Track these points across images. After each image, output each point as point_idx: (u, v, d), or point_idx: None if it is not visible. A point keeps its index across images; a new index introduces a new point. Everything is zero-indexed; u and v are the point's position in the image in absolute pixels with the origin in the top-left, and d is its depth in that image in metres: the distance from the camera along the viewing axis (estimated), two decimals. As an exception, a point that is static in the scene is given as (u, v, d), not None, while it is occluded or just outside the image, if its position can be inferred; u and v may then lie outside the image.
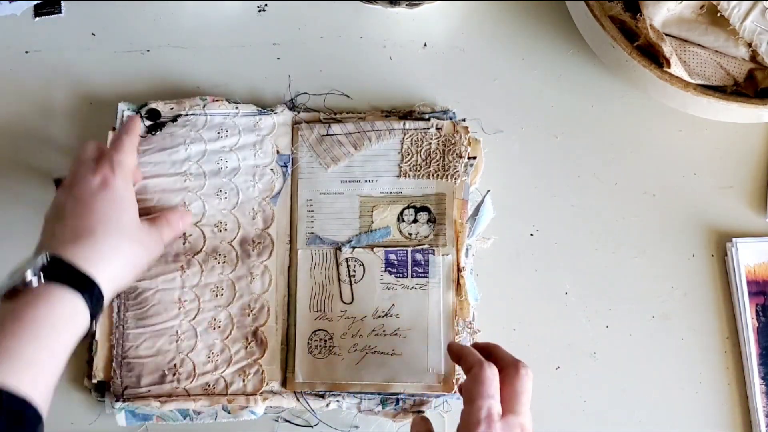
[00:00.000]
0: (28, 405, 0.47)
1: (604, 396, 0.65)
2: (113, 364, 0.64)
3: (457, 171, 0.65)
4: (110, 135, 0.66)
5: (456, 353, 0.57)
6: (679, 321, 0.66)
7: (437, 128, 0.66)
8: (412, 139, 0.67)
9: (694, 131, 0.69)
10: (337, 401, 0.64)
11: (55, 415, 0.65)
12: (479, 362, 0.53)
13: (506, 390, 0.52)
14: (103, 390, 0.65)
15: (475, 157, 0.67)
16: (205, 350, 0.64)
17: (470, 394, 0.51)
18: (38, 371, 0.48)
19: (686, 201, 0.68)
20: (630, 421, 0.65)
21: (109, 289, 0.54)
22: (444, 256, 0.64)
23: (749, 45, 0.62)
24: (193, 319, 0.64)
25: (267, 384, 0.64)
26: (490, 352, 0.56)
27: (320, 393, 0.64)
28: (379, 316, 0.64)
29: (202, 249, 0.65)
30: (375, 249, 0.65)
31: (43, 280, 0.51)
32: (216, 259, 0.65)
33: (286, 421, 0.65)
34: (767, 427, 0.63)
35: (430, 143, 0.66)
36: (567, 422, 0.65)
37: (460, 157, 0.66)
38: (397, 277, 0.65)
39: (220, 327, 0.64)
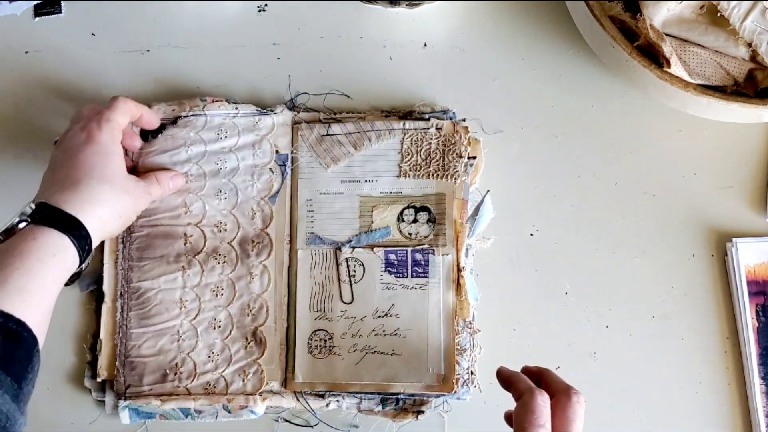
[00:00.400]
0: (24, 326, 0.48)
1: (604, 396, 0.65)
2: (117, 363, 0.64)
3: (457, 171, 0.66)
4: None
5: (506, 379, 0.55)
6: (679, 321, 0.66)
7: (437, 128, 0.66)
8: (411, 139, 0.67)
9: (694, 131, 0.69)
10: (337, 401, 0.64)
11: (55, 415, 0.66)
12: (530, 389, 0.51)
13: (558, 417, 0.51)
14: (103, 390, 0.65)
15: (475, 157, 0.67)
16: (206, 350, 0.64)
17: (521, 422, 0.50)
18: (31, 298, 0.50)
19: (686, 201, 0.68)
20: (630, 421, 0.65)
21: (96, 232, 0.56)
22: (444, 256, 0.64)
23: (749, 45, 0.62)
24: (194, 318, 0.65)
25: (267, 384, 0.64)
26: (540, 377, 0.54)
27: (320, 393, 0.64)
28: (379, 316, 0.64)
29: (202, 249, 0.65)
30: (375, 249, 0.65)
31: (30, 223, 0.54)
32: (216, 259, 0.65)
33: (286, 421, 0.65)
34: (767, 427, 0.63)
35: (430, 143, 0.66)
36: (567, 422, 0.65)
37: (460, 157, 0.66)
38: (397, 277, 0.65)
39: (220, 327, 0.64)
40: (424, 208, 0.66)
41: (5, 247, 0.52)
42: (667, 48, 0.60)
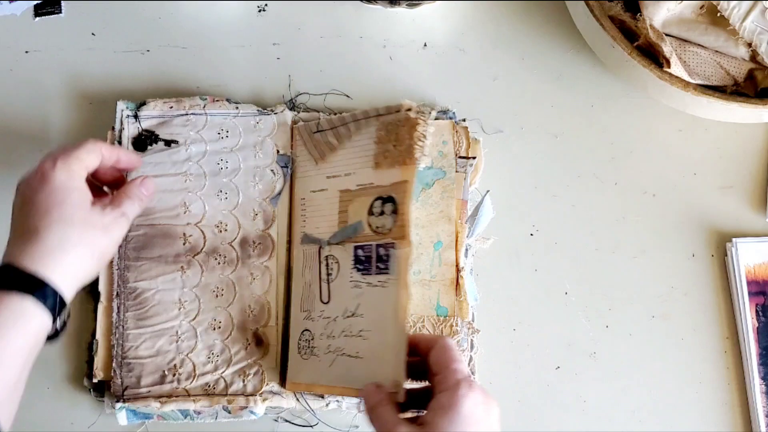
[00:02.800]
0: None
1: (604, 396, 0.65)
2: (113, 364, 0.64)
3: (415, 153, 0.58)
4: (109, 135, 0.67)
5: (413, 337, 0.53)
6: (679, 321, 0.66)
7: (406, 110, 0.60)
8: (387, 127, 0.61)
9: (694, 131, 0.69)
10: (337, 401, 0.64)
11: (55, 415, 0.66)
12: (440, 337, 0.52)
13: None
14: (102, 390, 0.65)
15: (474, 157, 0.66)
16: (205, 351, 0.64)
17: (442, 361, 0.50)
18: None
19: (686, 201, 0.68)
20: (630, 421, 0.65)
21: (68, 282, 0.52)
22: (402, 250, 0.57)
23: (749, 45, 0.62)
24: (194, 319, 0.64)
25: (267, 384, 0.64)
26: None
27: (318, 393, 0.63)
28: (348, 316, 0.59)
29: (202, 249, 0.65)
30: (346, 245, 0.61)
31: None
32: (216, 259, 0.65)
33: (286, 421, 0.65)
34: (767, 427, 0.63)
35: (399, 129, 0.60)
36: (567, 422, 0.65)
37: (421, 139, 0.58)
38: (363, 274, 0.59)
39: (220, 327, 0.64)
40: (389, 199, 0.59)
41: None
42: (667, 48, 0.61)
